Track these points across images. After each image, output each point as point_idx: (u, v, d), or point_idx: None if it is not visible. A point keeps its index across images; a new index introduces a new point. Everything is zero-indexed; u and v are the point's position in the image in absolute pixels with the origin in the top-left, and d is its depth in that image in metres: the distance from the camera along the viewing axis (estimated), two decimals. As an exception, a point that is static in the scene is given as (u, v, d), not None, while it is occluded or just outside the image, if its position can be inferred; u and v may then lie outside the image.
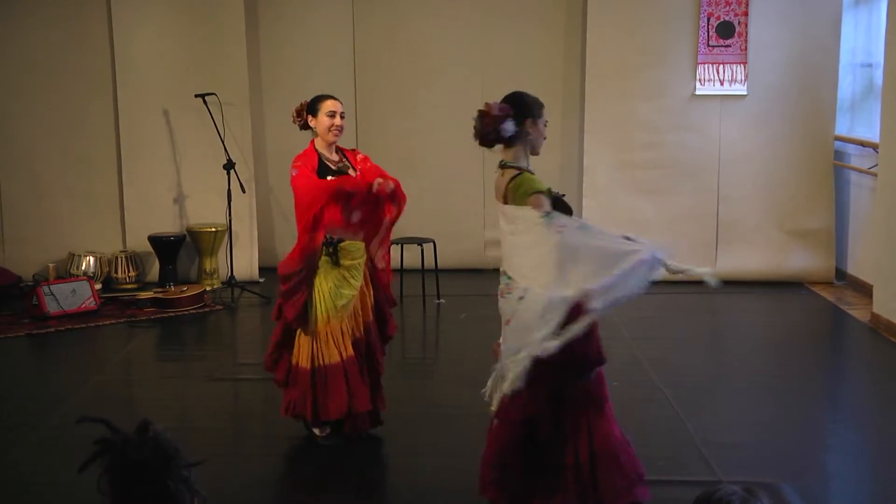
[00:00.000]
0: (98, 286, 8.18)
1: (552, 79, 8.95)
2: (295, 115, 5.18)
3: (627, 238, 3.76)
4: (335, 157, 5.13)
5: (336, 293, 4.95)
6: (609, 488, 3.87)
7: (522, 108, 3.94)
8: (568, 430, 3.85)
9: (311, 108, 5.14)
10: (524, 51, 8.98)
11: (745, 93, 8.52)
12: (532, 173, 3.91)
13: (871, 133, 8.10)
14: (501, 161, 3.98)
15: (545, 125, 4.02)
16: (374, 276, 5.15)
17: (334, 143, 5.14)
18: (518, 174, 3.88)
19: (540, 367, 3.69)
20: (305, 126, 5.16)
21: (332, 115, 5.10)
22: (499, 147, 4.00)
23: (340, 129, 5.11)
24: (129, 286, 8.53)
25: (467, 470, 4.20)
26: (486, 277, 8.07)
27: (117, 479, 1.95)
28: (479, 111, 3.94)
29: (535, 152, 4.03)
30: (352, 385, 4.92)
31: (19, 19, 8.61)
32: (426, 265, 8.13)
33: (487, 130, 3.90)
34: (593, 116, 8.66)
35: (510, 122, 3.89)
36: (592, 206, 8.58)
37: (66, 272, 8.42)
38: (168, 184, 8.78)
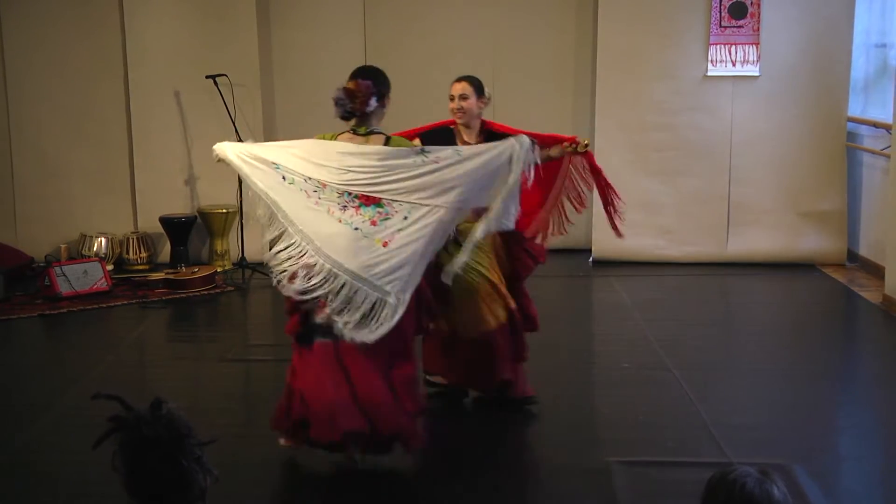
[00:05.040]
0: (110, 267, 8.21)
1: (563, 59, 8.91)
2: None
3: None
4: None
5: None
6: None
7: (383, 85, 4.52)
8: None
9: None
10: (535, 30, 8.94)
11: (757, 74, 8.46)
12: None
13: (885, 114, 8.04)
14: (366, 129, 4.47)
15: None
16: None
17: None
18: (389, 137, 4.48)
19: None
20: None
21: None
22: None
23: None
24: (141, 267, 8.55)
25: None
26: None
27: (131, 456, 1.97)
28: (346, 89, 4.43)
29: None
30: None
31: (31, 1, 8.60)
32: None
33: (358, 107, 4.41)
34: (605, 97, 8.61)
35: (374, 98, 4.43)
36: (603, 188, 8.53)
37: (77, 253, 8.44)
38: (179, 165, 8.78)
